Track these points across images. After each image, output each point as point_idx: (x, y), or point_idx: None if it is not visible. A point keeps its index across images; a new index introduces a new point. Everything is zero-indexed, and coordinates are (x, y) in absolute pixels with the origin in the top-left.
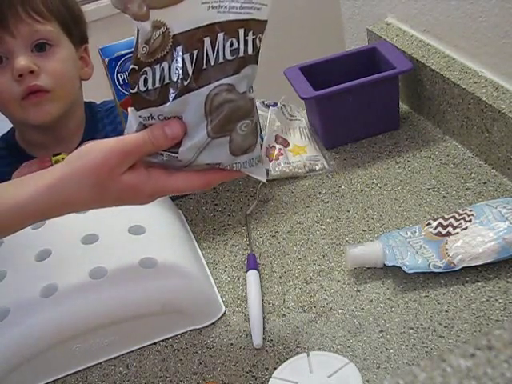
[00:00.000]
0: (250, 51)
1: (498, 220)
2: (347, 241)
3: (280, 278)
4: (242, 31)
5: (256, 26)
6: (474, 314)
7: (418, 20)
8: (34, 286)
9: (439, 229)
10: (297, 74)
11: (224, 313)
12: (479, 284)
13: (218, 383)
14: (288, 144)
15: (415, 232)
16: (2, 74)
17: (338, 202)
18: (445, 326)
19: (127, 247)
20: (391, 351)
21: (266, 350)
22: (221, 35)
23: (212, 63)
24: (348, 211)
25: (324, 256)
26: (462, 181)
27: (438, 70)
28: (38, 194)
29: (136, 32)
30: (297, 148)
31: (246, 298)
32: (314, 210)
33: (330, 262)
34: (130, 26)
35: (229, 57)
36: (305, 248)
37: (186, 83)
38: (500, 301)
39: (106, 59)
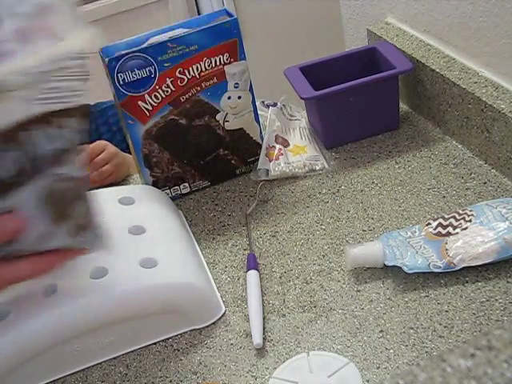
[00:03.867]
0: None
1: (498, 220)
2: (347, 241)
3: (280, 278)
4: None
5: (77, 112)
6: (474, 314)
7: (418, 20)
8: (34, 286)
9: (439, 229)
10: (297, 74)
11: (224, 313)
12: (479, 284)
13: (218, 383)
14: (288, 144)
15: (415, 232)
16: None
17: (338, 202)
18: (445, 326)
19: (127, 247)
20: (391, 351)
21: (266, 350)
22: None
23: (39, 154)
24: (348, 211)
25: (324, 256)
26: (462, 181)
27: (438, 70)
28: None
29: None
30: (297, 148)
31: (245, 297)
32: (313, 210)
33: (330, 262)
34: (129, 25)
35: (56, 146)
36: (305, 248)
37: (17, 178)
38: (500, 301)
39: (106, 59)
